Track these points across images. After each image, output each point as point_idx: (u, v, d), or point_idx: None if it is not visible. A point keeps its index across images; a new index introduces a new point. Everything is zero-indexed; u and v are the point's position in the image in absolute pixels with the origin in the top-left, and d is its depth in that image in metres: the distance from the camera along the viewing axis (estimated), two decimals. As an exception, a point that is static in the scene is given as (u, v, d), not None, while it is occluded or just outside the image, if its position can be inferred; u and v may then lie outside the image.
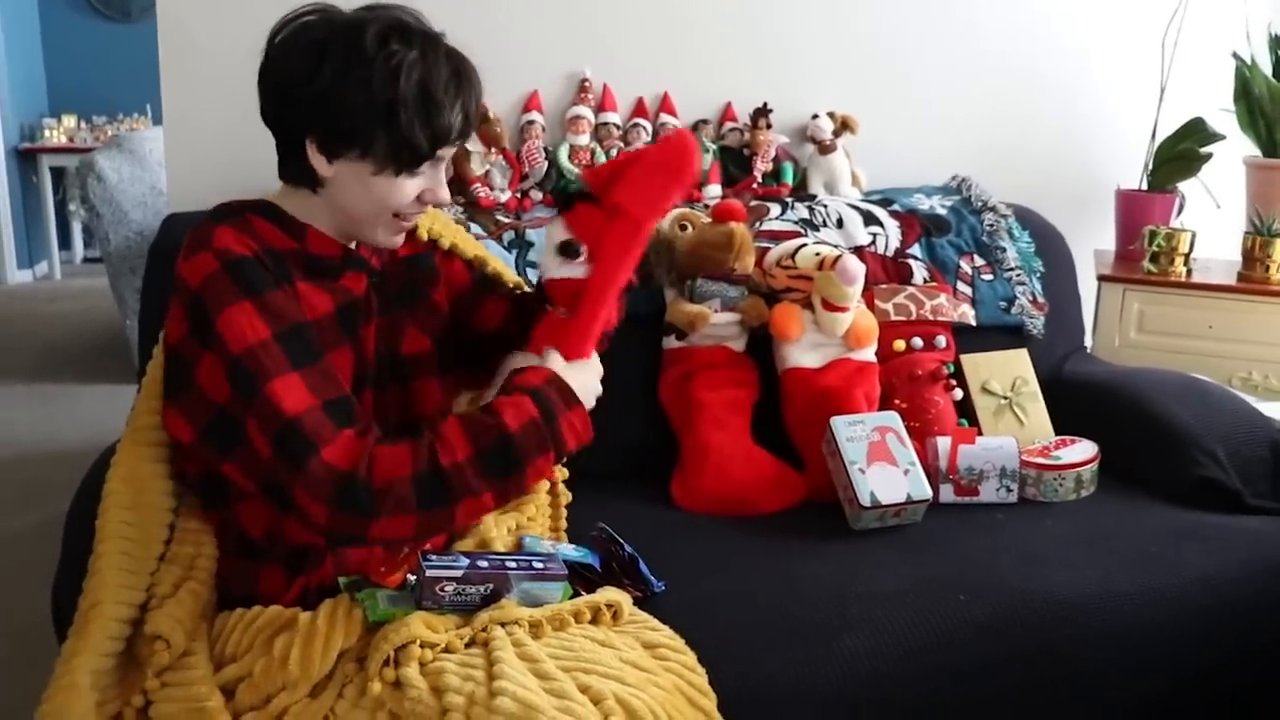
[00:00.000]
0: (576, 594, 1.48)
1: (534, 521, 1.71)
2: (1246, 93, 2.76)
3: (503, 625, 1.34)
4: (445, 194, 1.45)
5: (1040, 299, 2.48)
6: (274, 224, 1.41)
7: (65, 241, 7.03)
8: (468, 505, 1.32)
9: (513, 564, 1.40)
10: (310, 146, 1.37)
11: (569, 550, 1.61)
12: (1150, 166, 2.84)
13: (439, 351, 1.60)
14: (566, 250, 1.57)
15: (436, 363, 1.59)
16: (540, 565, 1.42)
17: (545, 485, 1.78)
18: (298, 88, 1.35)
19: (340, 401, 1.32)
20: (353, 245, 1.49)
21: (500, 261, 1.79)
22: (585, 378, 1.47)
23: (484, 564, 1.38)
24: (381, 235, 1.45)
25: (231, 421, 1.31)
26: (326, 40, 1.34)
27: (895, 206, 2.52)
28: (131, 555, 1.39)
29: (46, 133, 6.63)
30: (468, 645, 1.33)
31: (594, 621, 1.44)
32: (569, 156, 2.43)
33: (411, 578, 1.38)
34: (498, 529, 1.58)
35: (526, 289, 1.80)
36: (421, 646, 1.29)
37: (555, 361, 1.46)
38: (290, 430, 1.26)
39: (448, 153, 1.42)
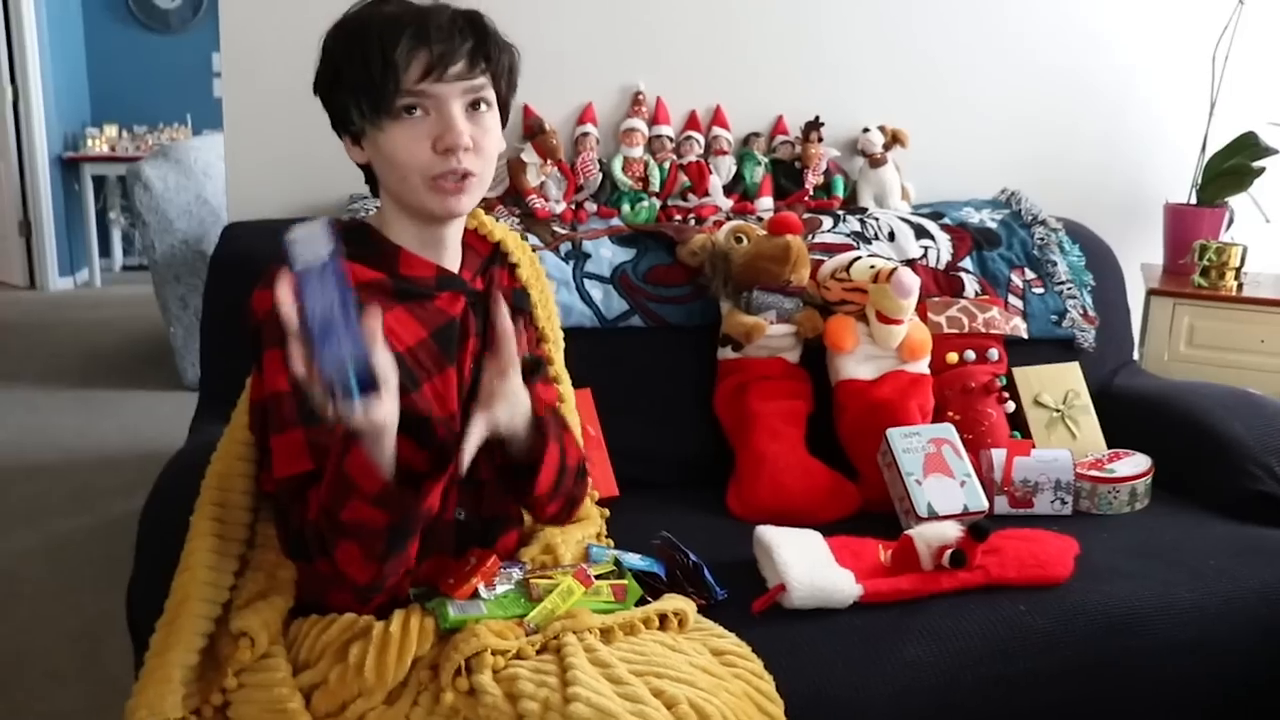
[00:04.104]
0: (643, 601, 1.49)
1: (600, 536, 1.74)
2: (1297, 106, 2.76)
3: (574, 633, 1.36)
4: (456, 132, 1.32)
5: (1091, 312, 2.48)
6: (360, 256, 1.37)
7: (105, 249, 7.10)
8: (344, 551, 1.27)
9: None
10: (345, 140, 1.41)
11: (635, 559, 1.61)
12: (1199, 181, 2.83)
13: None
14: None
15: None
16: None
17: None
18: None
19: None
20: (452, 267, 1.46)
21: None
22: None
23: None
24: (431, 202, 1.36)
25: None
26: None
27: (946, 220, 2.52)
28: (218, 553, 1.41)
29: (89, 142, 6.69)
30: (539, 652, 1.34)
31: (661, 628, 1.45)
32: (622, 169, 2.45)
33: (485, 591, 1.39)
34: (564, 539, 1.59)
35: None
36: (493, 654, 1.30)
37: None
38: (280, 487, 1.35)
39: (431, 86, 1.31)
